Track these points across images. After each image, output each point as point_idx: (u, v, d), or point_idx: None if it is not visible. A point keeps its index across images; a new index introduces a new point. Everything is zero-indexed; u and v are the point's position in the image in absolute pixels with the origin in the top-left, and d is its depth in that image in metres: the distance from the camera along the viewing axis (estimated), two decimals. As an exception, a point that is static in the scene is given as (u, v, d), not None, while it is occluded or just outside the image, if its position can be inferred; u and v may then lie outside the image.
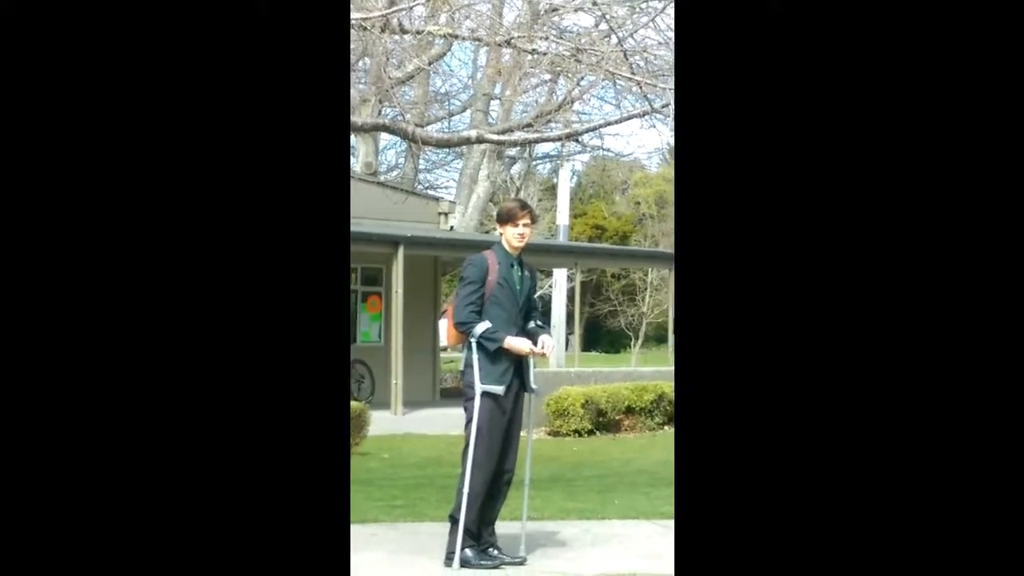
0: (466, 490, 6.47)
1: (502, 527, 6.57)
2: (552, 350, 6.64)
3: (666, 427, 16.65)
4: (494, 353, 6.46)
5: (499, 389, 6.45)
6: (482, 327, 6.44)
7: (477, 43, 12.26)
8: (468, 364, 6.59)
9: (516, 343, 6.46)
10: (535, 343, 6.55)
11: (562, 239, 27.48)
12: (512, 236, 6.60)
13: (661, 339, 41.04)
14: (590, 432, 15.56)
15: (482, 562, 6.43)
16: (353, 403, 13.11)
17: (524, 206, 6.76)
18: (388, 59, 11.73)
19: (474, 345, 6.48)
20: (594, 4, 11.66)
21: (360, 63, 21.47)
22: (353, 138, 26.02)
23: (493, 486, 6.47)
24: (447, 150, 27.90)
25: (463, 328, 6.52)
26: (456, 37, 10.81)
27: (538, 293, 6.98)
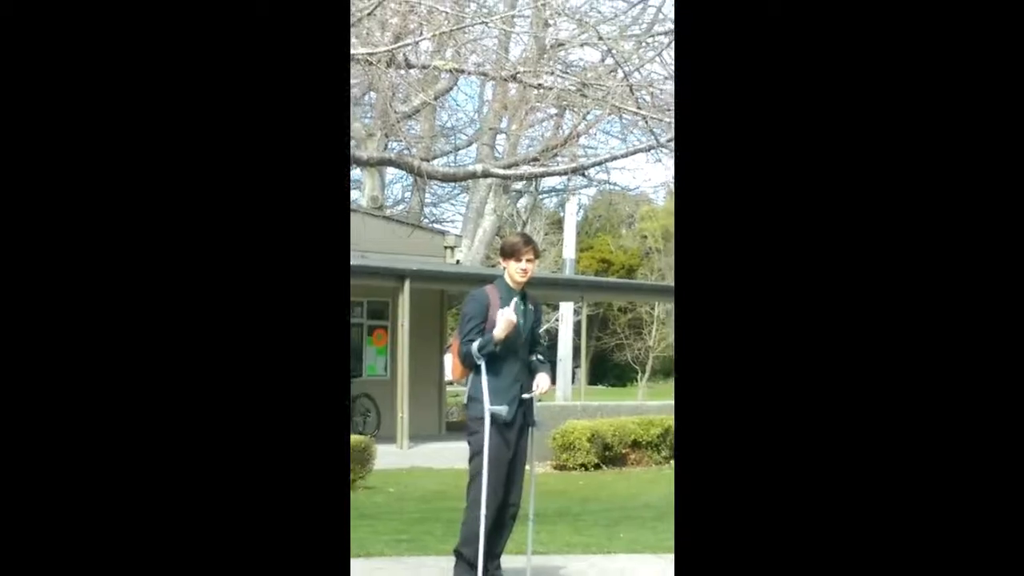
0: (472, 524, 6.46)
1: (507, 561, 6.54)
2: (545, 390, 6.61)
3: (673, 461, 16.61)
4: (501, 380, 6.44)
5: (501, 409, 6.42)
6: (476, 344, 6.43)
7: (483, 78, 12.31)
8: (472, 397, 6.58)
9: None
10: (536, 378, 6.54)
11: (568, 273, 27.50)
12: (515, 271, 6.60)
13: (668, 373, 40.98)
14: (596, 466, 15.53)
15: (487, 596, 6.41)
16: (358, 437, 13.11)
17: (528, 241, 6.75)
18: (394, 94, 11.78)
19: (483, 370, 6.46)
20: (600, 39, 11.71)
21: (366, 97, 21.55)
22: (359, 172, 26.07)
23: (498, 520, 6.45)
24: (453, 184, 27.99)
25: (465, 361, 6.51)
26: (462, 72, 10.85)
27: (544, 327, 6.98)
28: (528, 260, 6.61)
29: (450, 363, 6.80)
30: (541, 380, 6.56)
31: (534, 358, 6.65)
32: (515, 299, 6.60)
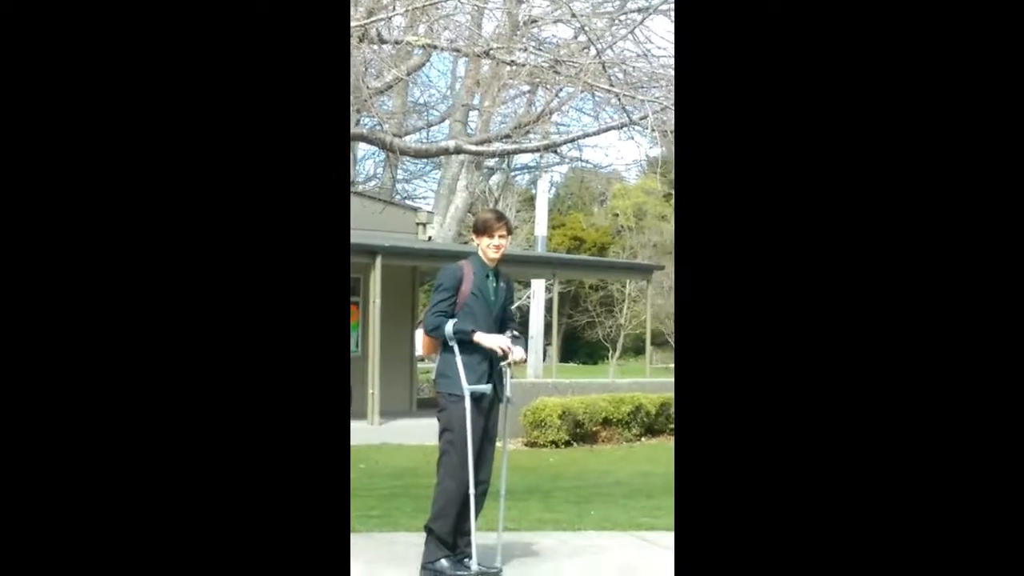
0: (442, 500, 6.47)
1: (478, 537, 6.56)
2: (520, 359, 6.62)
3: (643, 439, 16.68)
4: (471, 357, 6.46)
5: (486, 388, 6.45)
6: (450, 324, 6.44)
7: (456, 54, 12.27)
8: (441, 373, 6.58)
9: (485, 338, 6.45)
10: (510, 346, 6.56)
11: (540, 250, 27.50)
12: (488, 247, 6.60)
13: (639, 351, 41.09)
14: (567, 443, 15.57)
15: (457, 572, 6.42)
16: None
17: (500, 217, 6.75)
18: (367, 69, 11.71)
19: (456, 349, 6.47)
20: (573, 16, 11.68)
21: (339, 73, 21.44)
22: (331, 148, 25.92)
23: (468, 496, 6.47)
24: (425, 160, 27.91)
25: (433, 333, 6.52)
26: (435, 48, 10.80)
27: (516, 304, 7.00)
28: (501, 236, 6.61)
29: (420, 338, 6.81)
30: (516, 350, 6.57)
31: (507, 334, 6.66)
32: (490, 279, 6.60)
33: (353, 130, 14.35)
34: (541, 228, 27.95)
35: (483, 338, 6.45)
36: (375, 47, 10.55)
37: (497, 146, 12.54)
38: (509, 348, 6.52)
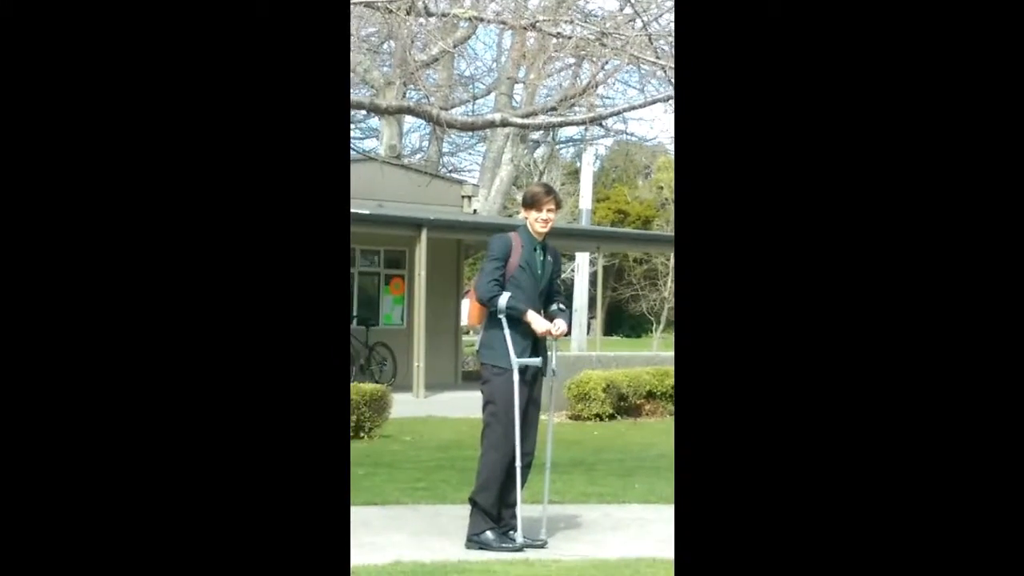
0: (487, 472, 6.50)
1: (523, 510, 6.59)
2: (562, 332, 6.64)
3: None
4: (516, 330, 6.48)
5: (536, 361, 6.49)
6: (505, 298, 6.47)
7: (502, 26, 12.25)
8: (486, 344, 6.61)
9: (535, 320, 6.49)
10: (554, 322, 6.58)
11: (584, 223, 27.46)
12: (536, 221, 6.61)
13: (683, 324, 40.90)
14: (611, 416, 15.59)
15: (503, 544, 6.46)
16: (375, 386, 13.17)
17: (549, 191, 6.76)
18: (413, 42, 11.73)
19: (504, 322, 6.49)
20: (619, -12, 11.62)
21: (385, 45, 21.47)
22: (377, 120, 26.03)
23: (513, 469, 6.50)
24: (471, 133, 27.92)
25: (486, 302, 6.54)
26: (481, 20, 10.79)
27: (561, 277, 7.00)
28: (549, 210, 6.62)
29: (467, 308, 6.84)
30: (559, 322, 6.60)
31: (553, 307, 6.68)
32: (537, 252, 6.61)
33: (399, 103, 14.38)
34: (586, 201, 27.90)
35: (533, 319, 6.48)
36: (421, 20, 10.55)
37: (542, 119, 12.52)
38: (556, 332, 6.55)
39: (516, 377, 6.45)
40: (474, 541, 6.50)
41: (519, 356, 6.49)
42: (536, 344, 6.60)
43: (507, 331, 6.49)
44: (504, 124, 12.65)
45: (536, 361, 6.52)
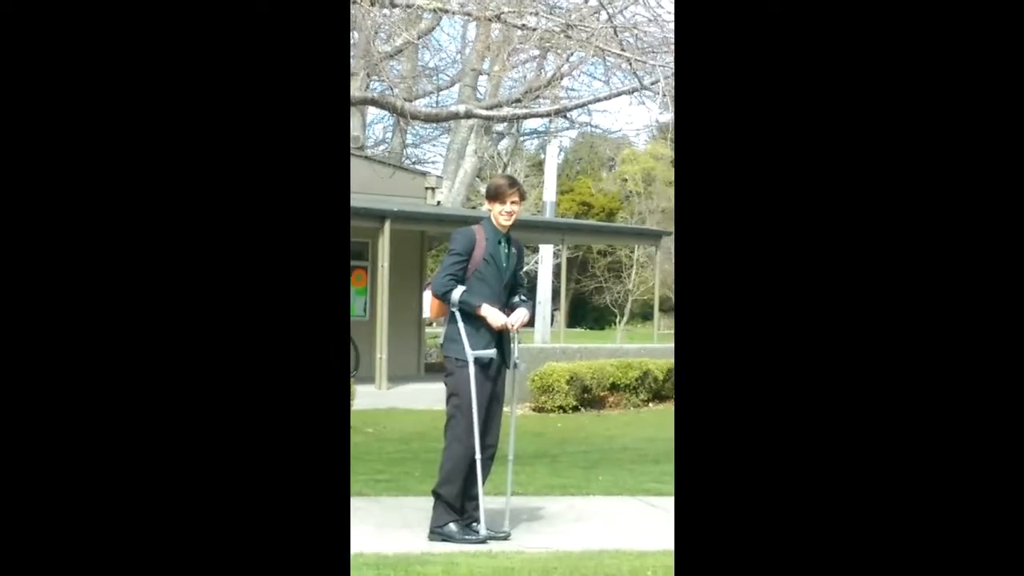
0: (450, 464, 6.49)
1: (486, 502, 6.58)
2: (522, 322, 6.64)
3: (651, 404, 16.70)
4: (477, 322, 6.48)
5: (490, 353, 6.47)
6: (458, 292, 6.46)
7: (466, 17, 12.22)
8: (449, 338, 6.61)
9: (490, 314, 6.47)
10: (513, 313, 6.57)
11: (549, 215, 27.46)
12: (500, 214, 6.60)
13: (647, 316, 41.10)
14: (575, 408, 15.59)
15: (466, 536, 6.45)
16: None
17: (513, 183, 6.75)
18: (377, 32, 11.68)
19: (458, 316, 6.49)
20: (584, -20, 11.62)
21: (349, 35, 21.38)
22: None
23: (475, 461, 6.49)
24: (435, 125, 27.83)
25: (440, 296, 6.54)
26: (445, 11, 10.77)
27: (524, 269, 6.99)
28: (513, 203, 6.62)
29: (428, 301, 6.84)
30: (519, 312, 6.59)
31: (516, 299, 6.68)
32: (502, 244, 6.60)
33: (363, 94, 14.33)
34: (550, 193, 27.90)
35: (487, 313, 6.47)
36: (386, 11, 10.51)
37: (507, 111, 12.50)
38: (511, 325, 6.54)
39: (472, 369, 6.44)
40: (437, 533, 6.49)
41: (483, 347, 6.48)
42: (501, 337, 6.59)
43: (462, 324, 6.49)
44: (468, 116, 12.64)
45: (491, 353, 6.50)
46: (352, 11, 9.99)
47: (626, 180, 44.42)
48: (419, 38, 14.88)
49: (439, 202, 22.93)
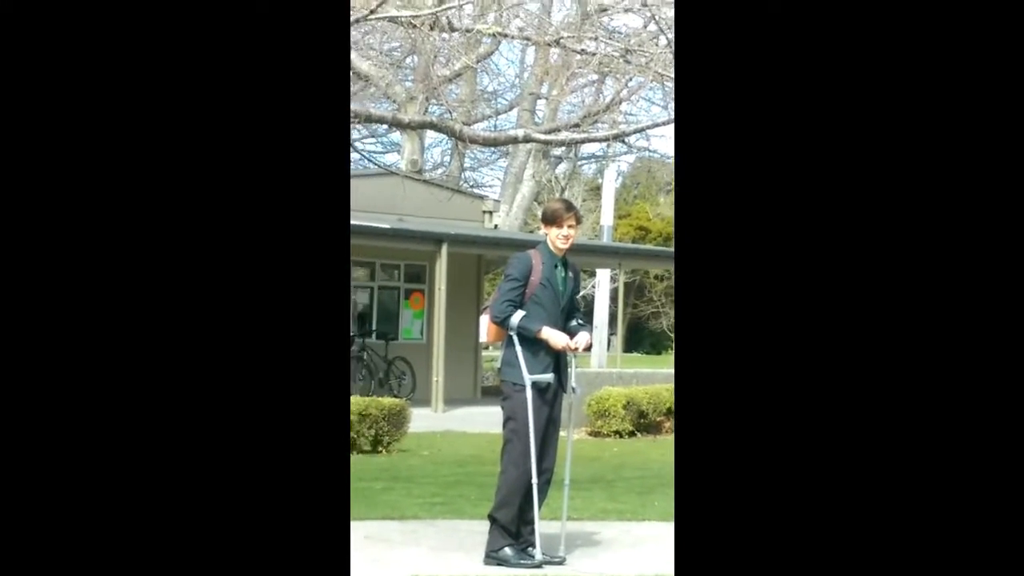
0: (507, 489, 6.49)
1: (542, 527, 6.57)
2: (585, 346, 6.63)
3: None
4: (535, 347, 6.47)
5: (548, 377, 6.47)
6: (517, 316, 6.46)
7: (525, 42, 12.27)
8: (506, 362, 6.60)
9: (552, 335, 6.46)
10: (576, 336, 6.57)
11: (606, 240, 27.44)
12: (557, 237, 6.60)
13: (703, 342, 40.87)
14: (631, 433, 15.52)
15: (521, 561, 6.44)
16: (394, 400, 13.15)
17: (569, 207, 6.74)
18: (436, 57, 11.75)
19: (515, 339, 6.49)
20: (644, 5, 11.63)
21: (408, 60, 21.52)
22: (399, 135, 26.05)
23: (531, 485, 6.48)
24: (493, 149, 27.92)
25: (500, 322, 6.54)
26: (504, 36, 10.82)
27: (581, 293, 6.99)
28: (570, 227, 6.61)
29: (485, 325, 6.84)
30: (582, 335, 6.59)
31: (573, 323, 6.67)
32: (558, 269, 6.60)
33: (421, 118, 14.40)
34: (607, 217, 27.88)
35: (549, 335, 6.46)
36: (445, 35, 10.57)
37: (565, 135, 12.52)
38: (575, 346, 6.54)
39: (530, 394, 6.44)
40: (492, 557, 6.48)
41: (540, 372, 6.48)
42: (558, 360, 6.59)
43: (519, 349, 6.48)
44: (526, 140, 12.66)
45: (548, 377, 6.49)
46: (412, 35, 10.06)
47: (684, 205, 44.27)
48: (478, 62, 14.96)
49: (496, 226, 22.98)
